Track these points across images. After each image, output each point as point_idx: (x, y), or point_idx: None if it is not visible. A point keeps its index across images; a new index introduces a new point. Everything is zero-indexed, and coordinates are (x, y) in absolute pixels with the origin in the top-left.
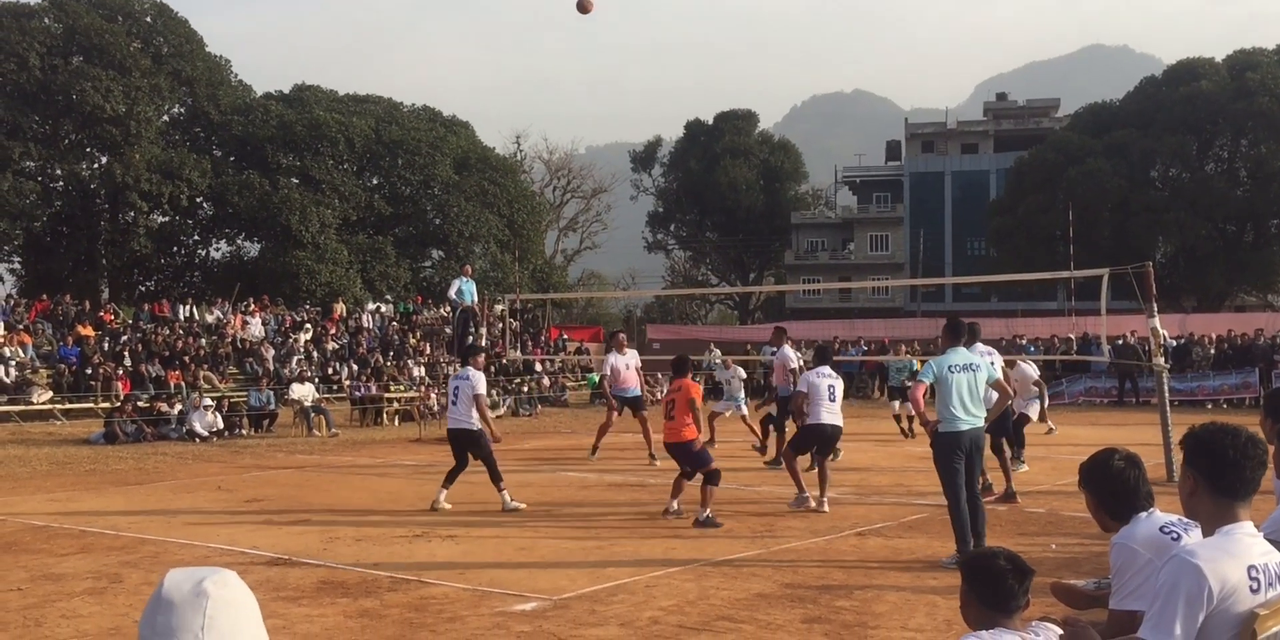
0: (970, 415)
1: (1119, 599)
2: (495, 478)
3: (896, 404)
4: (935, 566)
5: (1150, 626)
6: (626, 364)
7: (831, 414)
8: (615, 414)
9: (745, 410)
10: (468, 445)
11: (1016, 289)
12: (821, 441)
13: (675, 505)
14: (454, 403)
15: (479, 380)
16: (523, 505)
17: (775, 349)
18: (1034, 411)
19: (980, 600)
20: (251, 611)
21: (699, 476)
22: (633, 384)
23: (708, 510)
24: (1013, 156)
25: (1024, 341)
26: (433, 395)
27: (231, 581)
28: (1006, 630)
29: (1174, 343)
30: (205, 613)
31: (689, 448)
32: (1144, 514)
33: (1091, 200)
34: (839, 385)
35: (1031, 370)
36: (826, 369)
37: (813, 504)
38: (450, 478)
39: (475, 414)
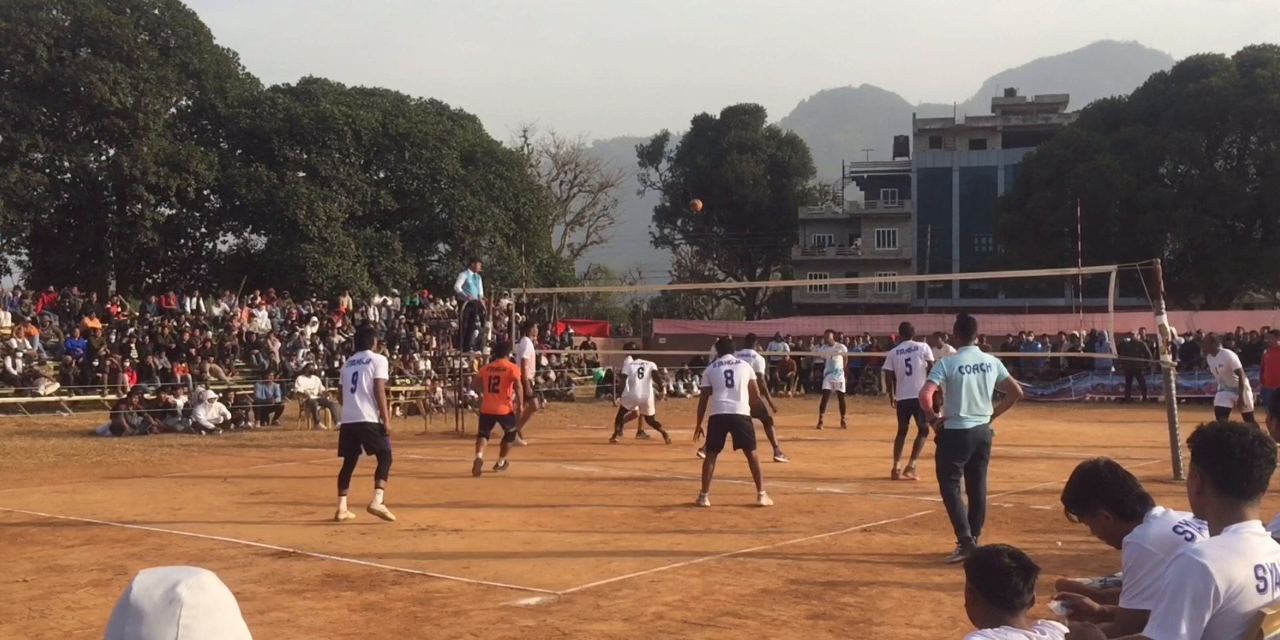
0: (976, 414)
1: (1129, 598)
2: (381, 475)
3: None
4: (941, 563)
5: (1156, 625)
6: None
7: (725, 403)
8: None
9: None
10: (363, 439)
11: (1024, 285)
12: (725, 433)
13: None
14: (352, 391)
15: (381, 363)
16: (392, 517)
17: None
18: (1235, 401)
19: (985, 598)
20: (231, 616)
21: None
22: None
23: (505, 458)
24: (1021, 152)
25: (1030, 338)
26: (439, 388)
27: (208, 584)
28: (1012, 628)
29: (1182, 340)
30: (179, 622)
31: (511, 418)
32: (1157, 511)
33: (1100, 197)
34: (738, 370)
35: (1235, 359)
36: (727, 357)
37: (707, 503)
38: (344, 480)
39: (374, 404)
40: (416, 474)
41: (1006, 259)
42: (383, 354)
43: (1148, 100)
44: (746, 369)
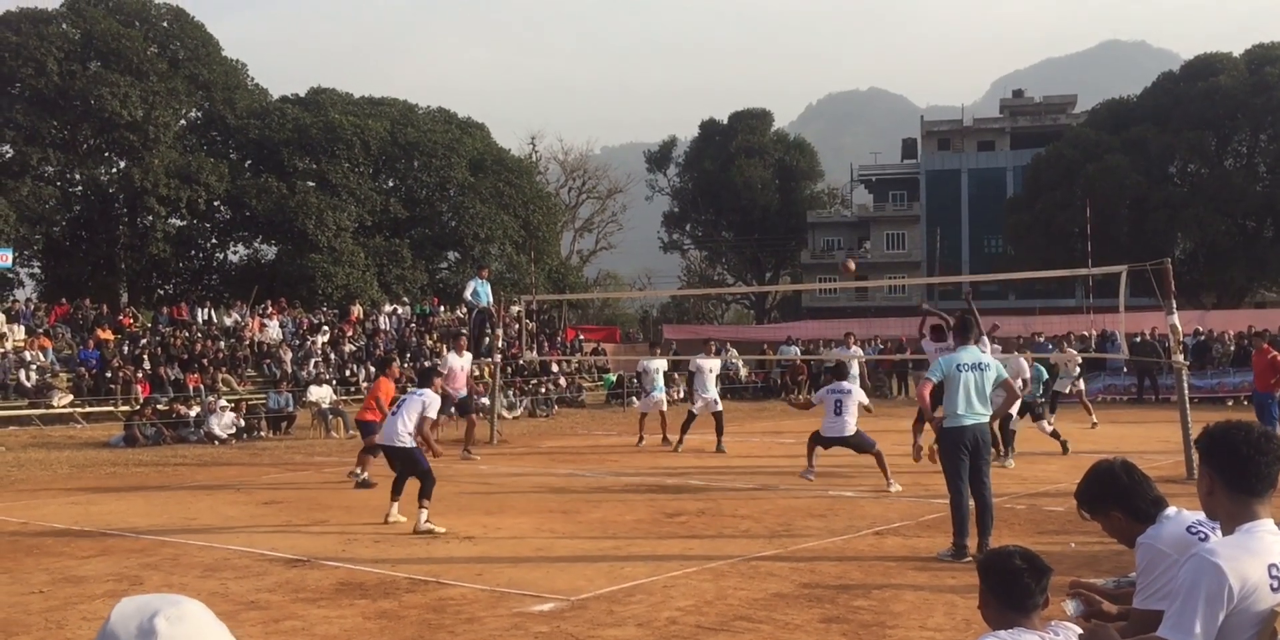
0: (974, 412)
1: (1143, 598)
2: (425, 494)
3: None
4: (954, 565)
5: (1170, 625)
6: (462, 365)
7: (831, 427)
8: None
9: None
10: (396, 460)
11: (1034, 286)
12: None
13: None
14: (394, 414)
15: (432, 402)
16: (442, 530)
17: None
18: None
19: (998, 600)
20: None
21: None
22: (462, 385)
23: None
24: (1030, 153)
25: (1041, 339)
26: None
27: (190, 614)
28: (1025, 630)
29: (1193, 340)
30: None
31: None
32: (1171, 511)
33: (1109, 197)
34: (847, 401)
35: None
36: (840, 384)
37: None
38: (397, 488)
39: (411, 429)
40: None
41: (1016, 260)
42: (438, 392)
43: (1156, 100)
44: (856, 399)
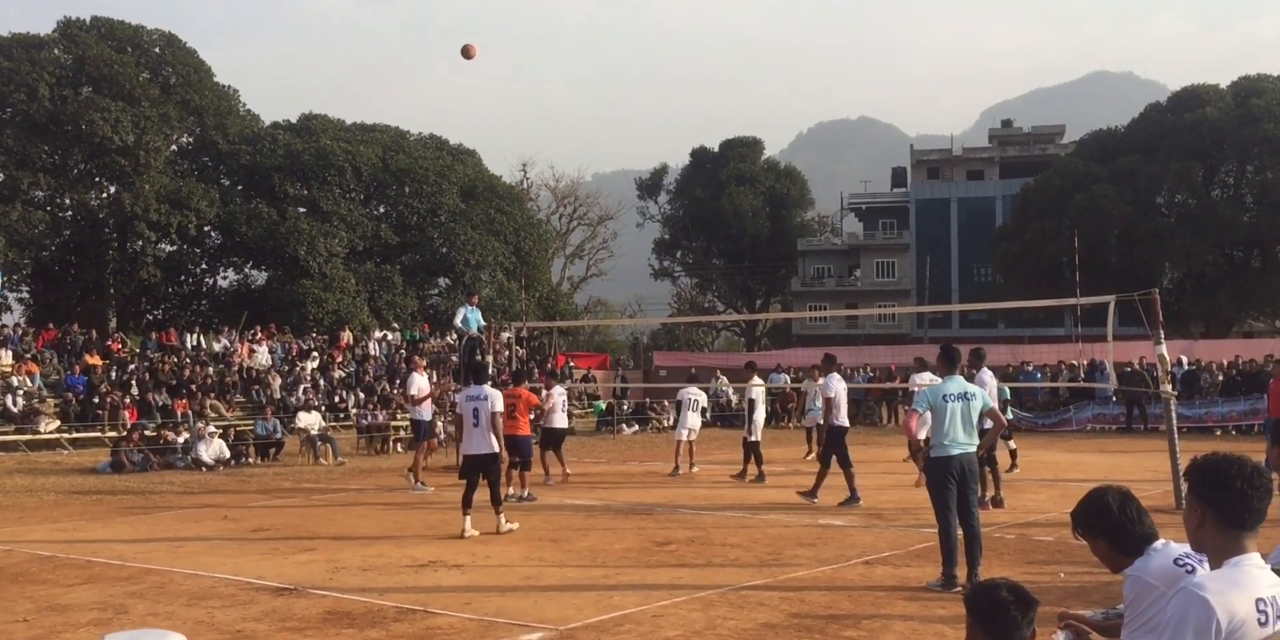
0: (961, 442)
1: (1131, 631)
2: (496, 500)
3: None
4: (943, 596)
5: None
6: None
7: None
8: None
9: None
10: (485, 468)
11: (1023, 315)
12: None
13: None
14: (475, 425)
15: (497, 398)
16: (515, 525)
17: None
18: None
19: (985, 632)
20: None
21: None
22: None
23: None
24: (1018, 183)
25: (1030, 368)
26: (439, 422)
27: None
28: None
29: (1181, 370)
30: None
31: (527, 441)
32: (1158, 543)
33: (1097, 226)
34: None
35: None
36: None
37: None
38: (468, 502)
39: (494, 436)
40: (416, 509)
41: (1005, 289)
42: (497, 388)
43: (1144, 130)
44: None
